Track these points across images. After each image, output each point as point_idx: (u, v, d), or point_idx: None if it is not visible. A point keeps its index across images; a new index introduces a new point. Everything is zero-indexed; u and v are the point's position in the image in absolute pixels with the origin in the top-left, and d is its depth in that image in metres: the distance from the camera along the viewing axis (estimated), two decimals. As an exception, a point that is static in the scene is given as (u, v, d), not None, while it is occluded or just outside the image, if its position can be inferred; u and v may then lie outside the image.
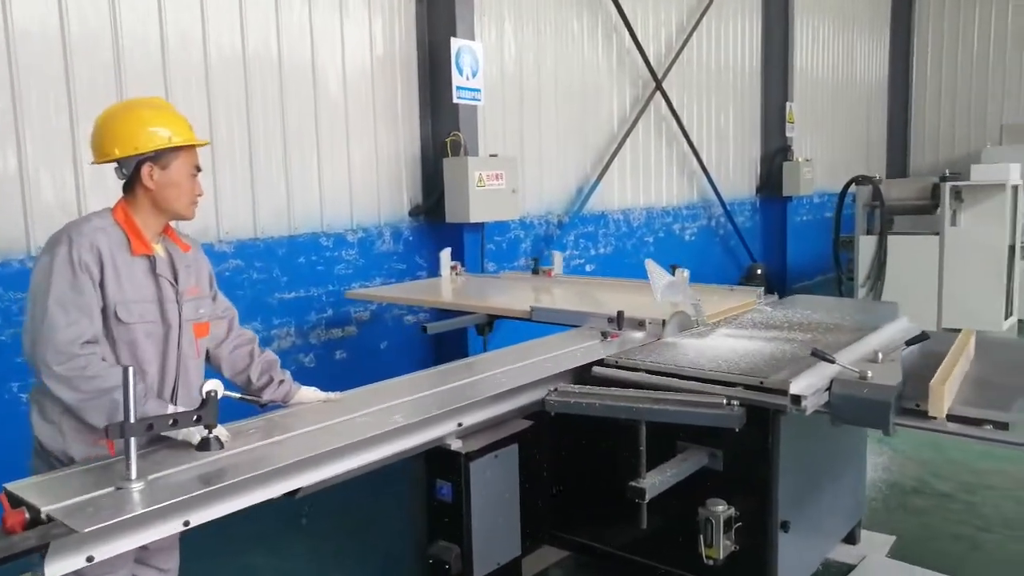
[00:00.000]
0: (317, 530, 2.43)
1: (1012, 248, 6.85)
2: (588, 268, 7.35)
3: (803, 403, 2.25)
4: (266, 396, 2.42)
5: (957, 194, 6.85)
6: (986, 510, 3.88)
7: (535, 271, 4.71)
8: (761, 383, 2.46)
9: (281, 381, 2.46)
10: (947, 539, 3.58)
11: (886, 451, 4.71)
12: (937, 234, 6.88)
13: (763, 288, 3.95)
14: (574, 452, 2.95)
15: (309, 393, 2.47)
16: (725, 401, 2.34)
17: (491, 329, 4.13)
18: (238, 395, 2.28)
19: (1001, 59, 14.15)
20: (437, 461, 2.54)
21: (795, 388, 2.28)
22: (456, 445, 2.50)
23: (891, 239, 7.01)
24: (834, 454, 3.12)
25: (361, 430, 2.17)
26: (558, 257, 4.75)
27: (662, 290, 3.30)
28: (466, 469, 2.50)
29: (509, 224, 6.35)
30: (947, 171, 7.03)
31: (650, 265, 3.37)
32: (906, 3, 14.42)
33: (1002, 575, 3.28)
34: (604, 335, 2.97)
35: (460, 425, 2.32)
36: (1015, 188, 6.88)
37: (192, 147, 2.29)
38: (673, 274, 3.31)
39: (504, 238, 6.35)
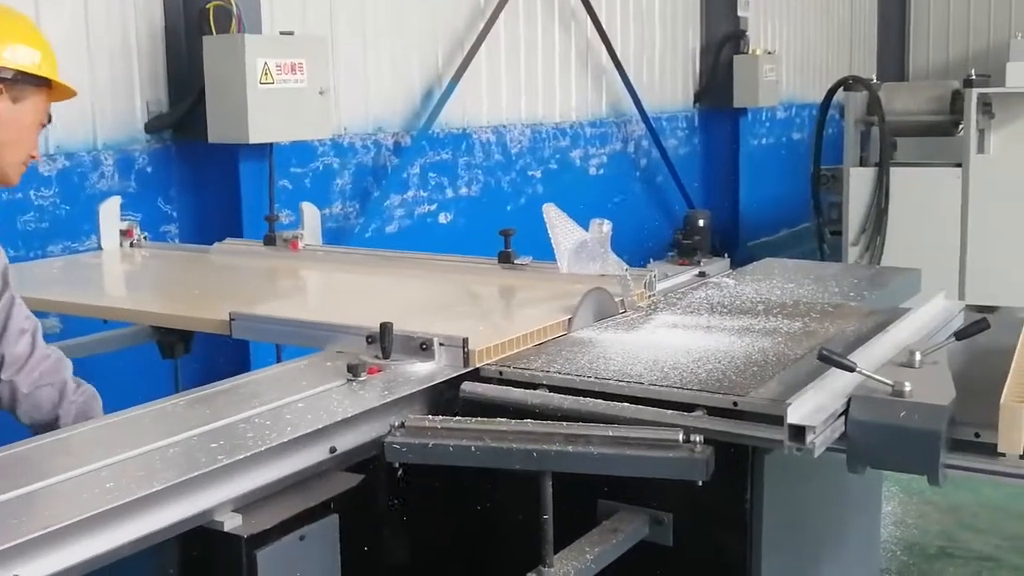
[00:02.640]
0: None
1: (1061, 186, 7.19)
2: (444, 218, 7.23)
3: (809, 437, 2.14)
4: None
5: (986, 106, 7.11)
6: (1043, 578, 4.02)
7: (269, 240, 4.30)
8: (735, 404, 2.37)
9: None
10: (993, 626, 3.67)
11: (897, 495, 4.81)
12: (959, 165, 7.13)
13: (698, 258, 3.96)
14: (430, 518, 2.79)
15: None
16: (682, 437, 2.21)
17: (187, 349, 3.95)
18: None
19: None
20: (199, 552, 2.29)
21: (796, 414, 2.16)
22: (231, 524, 2.27)
23: (895, 173, 7.22)
24: (839, 511, 3.09)
25: None
26: (311, 213, 4.38)
27: (570, 254, 3.19)
28: (250, 562, 2.28)
29: (315, 147, 6.15)
30: (972, 72, 7.27)
31: (550, 213, 3.28)
32: None
33: None
34: (354, 370, 2.68)
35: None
36: (1064, 98, 7.21)
37: (53, 89, 2.60)
38: (589, 230, 3.23)
39: (308, 169, 6.13)
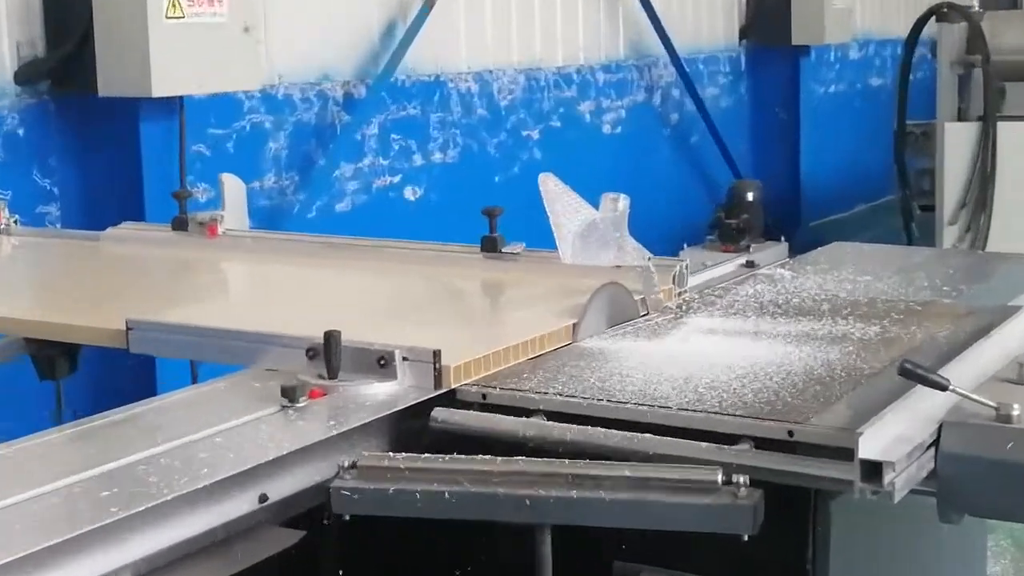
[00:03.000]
0: None
1: None
2: (411, 193, 7.22)
3: (887, 476, 2.14)
4: None
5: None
6: None
7: (179, 224, 4.32)
8: (791, 434, 2.38)
9: None
10: None
11: (1009, 549, 4.83)
12: (1087, 119, 7.16)
13: (746, 243, 3.98)
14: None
15: None
16: (722, 477, 2.23)
17: (72, 367, 3.91)
18: None
19: None
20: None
21: (869, 447, 2.17)
22: (124, 605, 2.28)
23: (1004, 129, 7.22)
24: (930, 572, 3.09)
25: None
26: (234, 187, 4.41)
27: (575, 239, 3.19)
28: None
29: (240, 102, 6.17)
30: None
31: (548, 185, 3.29)
32: None
33: None
34: (290, 393, 2.68)
35: None
36: None
37: None
38: (599, 207, 3.24)
39: (231, 131, 6.15)
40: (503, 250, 3.73)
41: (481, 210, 3.77)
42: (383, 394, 2.73)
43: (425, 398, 2.70)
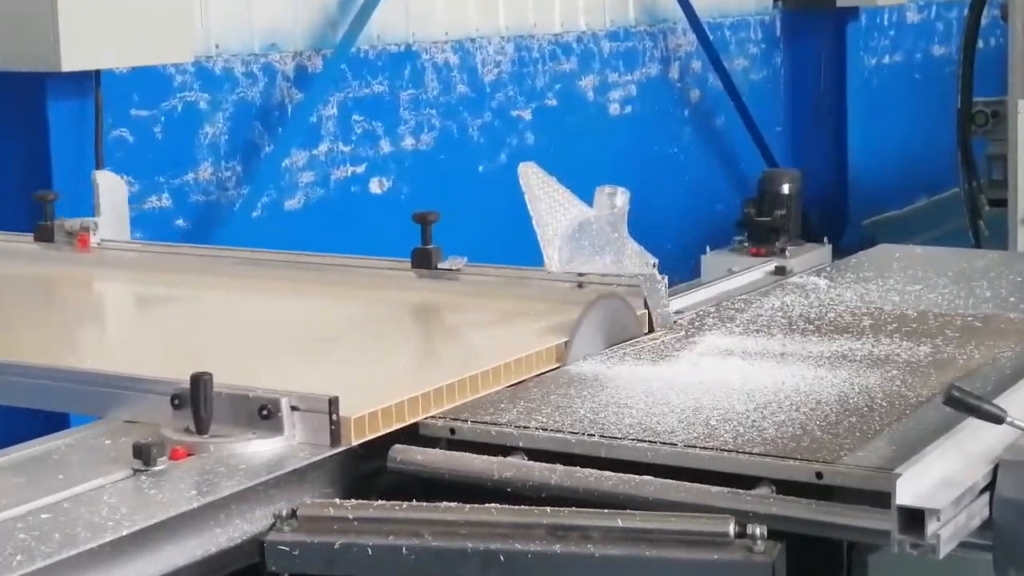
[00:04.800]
0: None
1: None
2: (378, 186, 7.22)
3: (930, 527, 2.15)
4: None
5: None
6: None
7: (43, 233, 4.33)
8: (819, 476, 2.39)
9: None
10: None
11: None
12: None
13: (782, 244, 4.00)
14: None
15: None
16: (734, 528, 2.23)
17: None
18: None
19: None
20: None
21: (909, 491, 2.18)
22: None
23: (1089, 107, 7.24)
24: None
25: None
26: (110, 187, 4.38)
27: (564, 242, 3.20)
28: None
29: (170, 77, 6.20)
30: None
31: (528, 176, 3.30)
32: None
33: None
34: (144, 453, 2.56)
35: None
36: None
37: None
38: (594, 203, 3.24)
39: (159, 112, 6.18)
40: (440, 266, 3.75)
41: (412, 216, 3.77)
42: (265, 453, 2.64)
43: (318, 458, 2.61)
